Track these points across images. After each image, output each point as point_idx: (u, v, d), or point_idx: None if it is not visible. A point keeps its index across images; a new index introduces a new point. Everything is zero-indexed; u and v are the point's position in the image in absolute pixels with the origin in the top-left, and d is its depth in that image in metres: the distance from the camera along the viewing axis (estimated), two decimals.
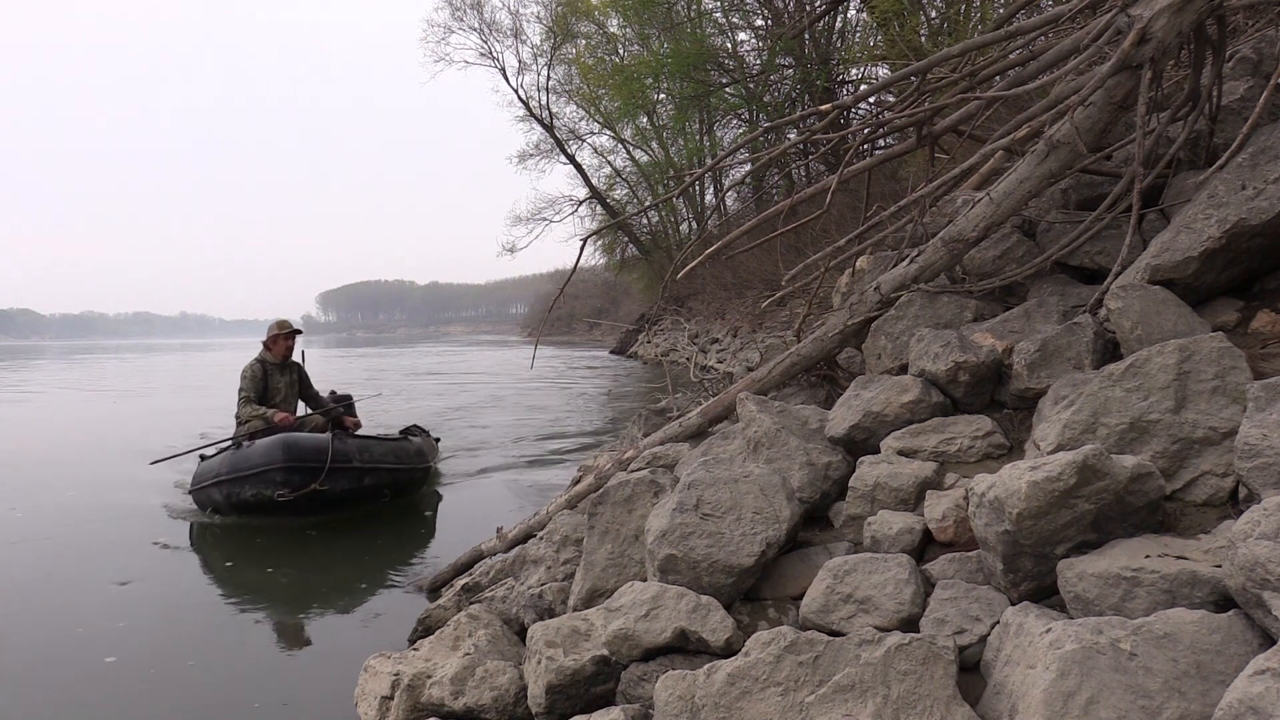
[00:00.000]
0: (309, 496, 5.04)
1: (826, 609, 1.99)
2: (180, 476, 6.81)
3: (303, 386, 6.33)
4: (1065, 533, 1.73)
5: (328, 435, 5.36)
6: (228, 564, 4.44)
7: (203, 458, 5.66)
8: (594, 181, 33.36)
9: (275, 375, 6.03)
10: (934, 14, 12.89)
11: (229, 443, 6.02)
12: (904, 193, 3.55)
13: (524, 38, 32.44)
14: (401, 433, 6.58)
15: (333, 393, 6.64)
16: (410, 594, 3.99)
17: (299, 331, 6.22)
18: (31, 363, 35.32)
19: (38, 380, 22.21)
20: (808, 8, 18.13)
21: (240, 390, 5.92)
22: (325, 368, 26.16)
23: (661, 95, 25.83)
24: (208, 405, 12.69)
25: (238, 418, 5.90)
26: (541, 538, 3.24)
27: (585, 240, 4.42)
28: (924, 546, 2.18)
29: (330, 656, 3.35)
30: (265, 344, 6.10)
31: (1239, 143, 2.45)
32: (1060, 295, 2.86)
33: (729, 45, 23.13)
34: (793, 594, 2.20)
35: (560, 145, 32.90)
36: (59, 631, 3.59)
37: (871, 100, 11.29)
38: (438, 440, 7.21)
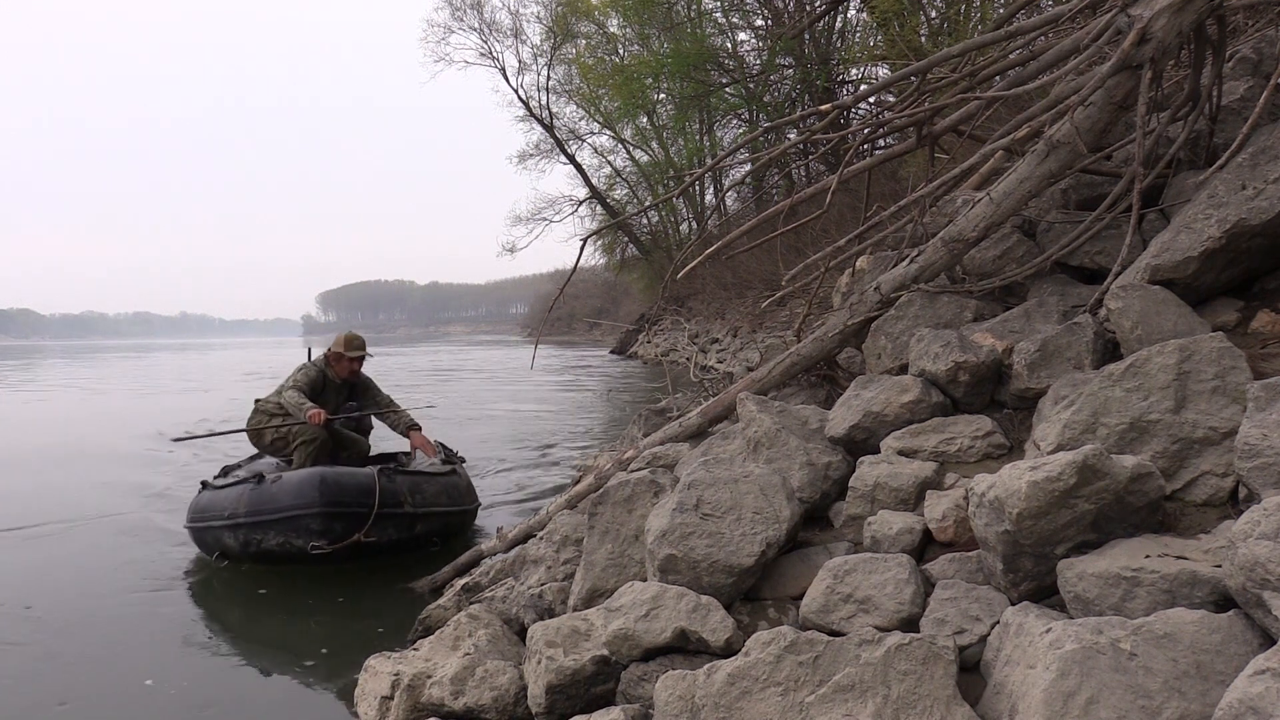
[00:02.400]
0: (351, 549, 4.12)
1: (826, 609, 1.99)
2: (149, 476, 6.65)
3: (363, 397, 5.43)
4: (1065, 533, 1.73)
5: (372, 471, 4.31)
6: (224, 564, 4.41)
7: (204, 485, 4.67)
8: (594, 181, 33.40)
9: (328, 391, 5.23)
10: (934, 14, 12.89)
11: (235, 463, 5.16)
12: (904, 193, 3.56)
13: (524, 38, 32.50)
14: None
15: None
16: (410, 594, 3.99)
17: (368, 355, 5.33)
18: (44, 362, 35.49)
19: (52, 379, 22.26)
20: (808, 8, 18.14)
21: (292, 378, 5.05)
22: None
23: (661, 95, 25.86)
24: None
25: (284, 394, 4.99)
26: (541, 538, 3.24)
27: (585, 240, 4.41)
28: (924, 546, 2.18)
29: (330, 656, 3.35)
30: (327, 356, 5.25)
31: (1239, 143, 2.45)
32: (1060, 295, 2.86)
33: (729, 45, 23.15)
34: (793, 594, 2.20)
35: (560, 145, 32.93)
36: (53, 631, 3.59)
37: (871, 100, 11.29)
38: (463, 461, 6.10)
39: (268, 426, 5.00)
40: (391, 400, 5.58)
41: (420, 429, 5.46)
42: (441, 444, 6.02)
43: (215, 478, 4.86)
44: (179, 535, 5.06)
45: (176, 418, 10.70)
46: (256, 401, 5.18)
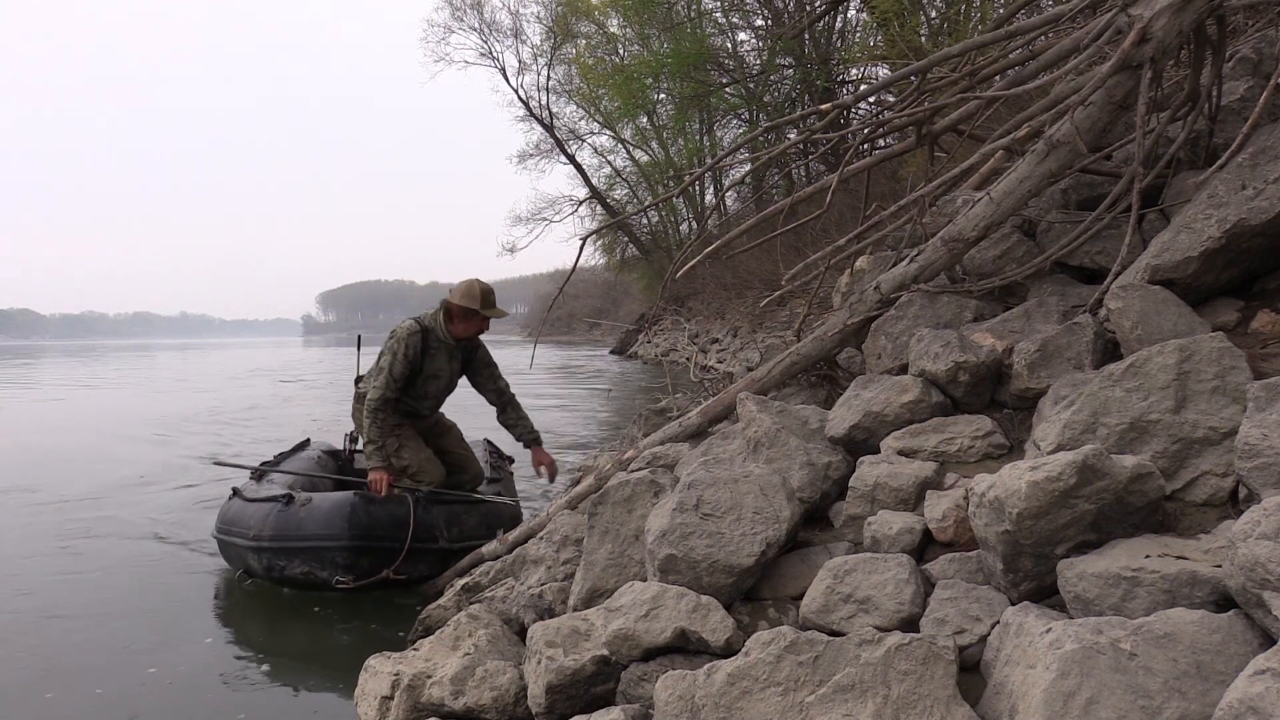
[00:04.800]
0: (379, 584, 3.85)
1: (826, 609, 1.99)
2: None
3: (477, 374, 4.42)
4: (1065, 533, 1.73)
5: (409, 501, 3.95)
6: (248, 582, 4.38)
7: (235, 492, 4.35)
8: (594, 181, 33.42)
9: (438, 356, 4.14)
10: (934, 14, 12.89)
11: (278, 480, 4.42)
12: (904, 193, 3.55)
13: (524, 38, 32.53)
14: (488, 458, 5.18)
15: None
16: (410, 594, 3.98)
17: (499, 313, 4.16)
18: (68, 360, 35.97)
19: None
20: (808, 8, 18.13)
21: (381, 370, 4.02)
22: (331, 366, 26.25)
23: (661, 95, 25.87)
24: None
25: (366, 408, 4.02)
26: (541, 538, 3.24)
27: (585, 240, 4.39)
28: (924, 546, 2.18)
29: (330, 656, 3.35)
30: (446, 310, 4.11)
31: (1239, 142, 2.44)
32: (1060, 295, 2.86)
33: (729, 45, 23.18)
34: (793, 594, 2.20)
35: (560, 145, 32.94)
36: (55, 617, 3.59)
37: (871, 100, 11.29)
38: (512, 463, 5.59)
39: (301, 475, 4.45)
40: (510, 392, 4.49)
41: (541, 442, 4.56)
42: (490, 443, 5.65)
43: (252, 474, 4.72)
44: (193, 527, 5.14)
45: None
46: (357, 384, 4.44)
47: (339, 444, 5.54)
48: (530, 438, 4.47)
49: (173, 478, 7.09)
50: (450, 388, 4.33)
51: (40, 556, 4.72)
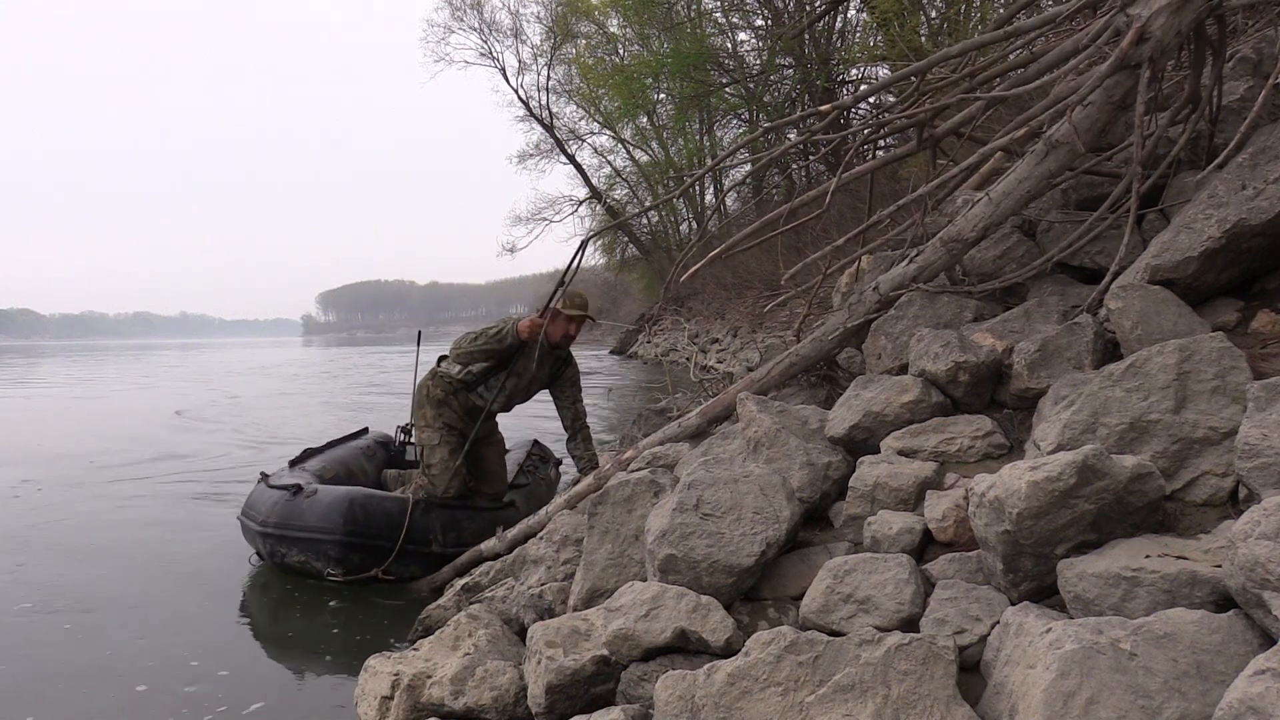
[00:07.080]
0: (369, 581, 4.01)
1: (826, 609, 1.99)
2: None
3: (561, 390, 4.53)
4: (1065, 533, 1.73)
5: (407, 501, 4.09)
6: (260, 564, 4.42)
7: (263, 476, 4.54)
8: (594, 181, 33.45)
9: (529, 356, 4.27)
10: (934, 14, 12.90)
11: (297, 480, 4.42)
12: (906, 194, 3.55)
13: (524, 38, 32.62)
14: (528, 453, 5.35)
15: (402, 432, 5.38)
16: (410, 594, 3.99)
17: (590, 318, 4.37)
18: (91, 358, 36.59)
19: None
20: (808, 8, 18.15)
21: (478, 333, 4.25)
22: (331, 366, 26.24)
23: (661, 95, 25.91)
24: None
25: (457, 354, 4.25)
26: (541, 538, 3.24)
27: (584, 243, 4.36)
28: (924, 546, 2.18)
29: (330, 656, 3.35)
30: (542, 314, 4.29)
31: (1237, 141, 2.44)
32: (1060, 295, 2.86)
33: (729, 45, 23.20)
34: (793, 594, 2.20)
35: (560, 145, 32.99)
36: (49, 607, 3.59)
37: (872, 100, 11.29)
38: (559, 465, 5.73)
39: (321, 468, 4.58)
40: (584, 420, 4.58)
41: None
42: (538, 444, 5.75)
43: (293, 461, 4.82)
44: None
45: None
46: (442, 358, 4.48)
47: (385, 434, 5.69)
48: (587, 466, 4.44)
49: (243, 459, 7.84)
50: (527, 394, 4.43)
51: (69, 531, 5.23)
